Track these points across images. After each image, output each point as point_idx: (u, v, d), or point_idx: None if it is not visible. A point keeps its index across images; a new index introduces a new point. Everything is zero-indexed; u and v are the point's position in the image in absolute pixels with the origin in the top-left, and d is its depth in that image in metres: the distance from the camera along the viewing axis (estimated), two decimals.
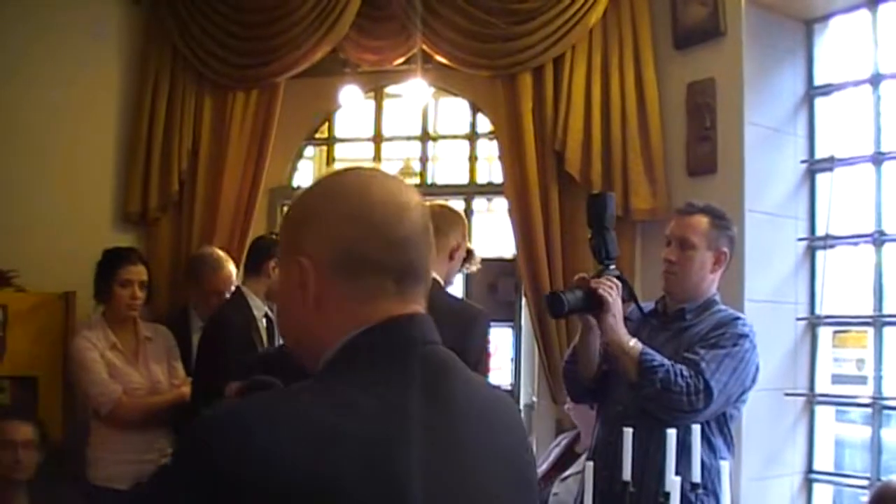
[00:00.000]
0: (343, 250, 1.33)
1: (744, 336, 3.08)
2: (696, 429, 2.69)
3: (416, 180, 6.13)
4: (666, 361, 2.98)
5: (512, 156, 4.86)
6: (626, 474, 2.71)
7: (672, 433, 2.61)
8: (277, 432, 1.21)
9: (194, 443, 1.24)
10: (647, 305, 3.36)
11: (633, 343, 3.05)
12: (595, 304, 3.07)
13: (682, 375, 2.93)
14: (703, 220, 3.22)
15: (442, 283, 3.26)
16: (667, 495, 2.51)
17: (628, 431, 2.69)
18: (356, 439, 1.22)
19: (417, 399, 1.30)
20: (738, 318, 3.17)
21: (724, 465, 2.75)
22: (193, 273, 4.82)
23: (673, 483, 2.51)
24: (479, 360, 3.14)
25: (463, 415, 1.37)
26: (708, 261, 3.21)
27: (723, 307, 3.26)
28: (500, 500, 1.39)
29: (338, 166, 6.11)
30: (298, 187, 5.91)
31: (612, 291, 3.07)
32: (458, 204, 5.06)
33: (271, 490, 1.18)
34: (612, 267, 3.17)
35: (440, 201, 3.58)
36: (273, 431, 1.21)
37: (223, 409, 1.29)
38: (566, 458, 4.19)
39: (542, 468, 4.22)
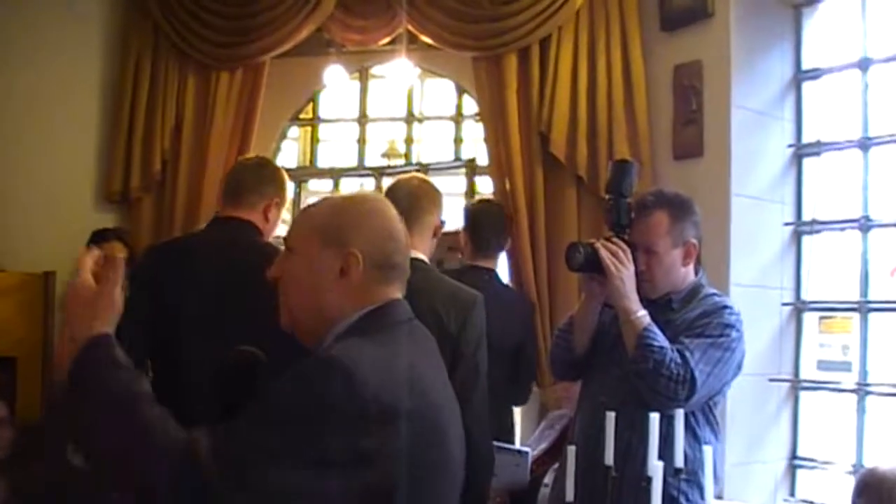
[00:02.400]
0: (382, 253, 1.89)
1: (730, 326, 3.01)
2: (679, 415, 2.66)
3: (402, 161, 6.10)
4: (666, 344, 2.90)
5: (496, 137, 4.83)
6: (609, 459, 2.68)
7: (654, 418, 2.58)
8: (368, 367, 1.69)
9: (336, 374, 1.66)
10: None
11: (641, 314, 2.95)
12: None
13: (675, 362, 2.87)
14: (662, 220, 3.08)
15: (428, 263, 3.19)
16: (649, 480, 2.48)
17: (610, 416, 2.65)
18: (403, 369, 1.76)
19: (421, 350, 1.90)
20: (725, 307, 3.08)
21: (708, 451, 2.72)
22: None
23: (655, 468, 2.48)
24: (478, 346, 3.08)
25: (440, 364, 1.99)
26: (678, 257, 3.10)
27: (710, 291, 3.16)
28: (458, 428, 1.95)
29: (322, 147, 6.10)
30: (282, 167, 5.85)
31: (618, 257, 2.99)
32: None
33: (373, 403, 1.66)
34: (623, 236, 3.07)
35: (421, 175, 3.51)
36: (366, 366, 1.69)
37: (336, 354, 1.72)
38: (561, 444, 4.07)
39: (534, 453, 4.16)
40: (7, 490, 3.90)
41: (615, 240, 3.04)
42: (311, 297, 1.88)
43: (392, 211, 1.97)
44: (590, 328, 3.18)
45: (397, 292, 1.93)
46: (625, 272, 2.98)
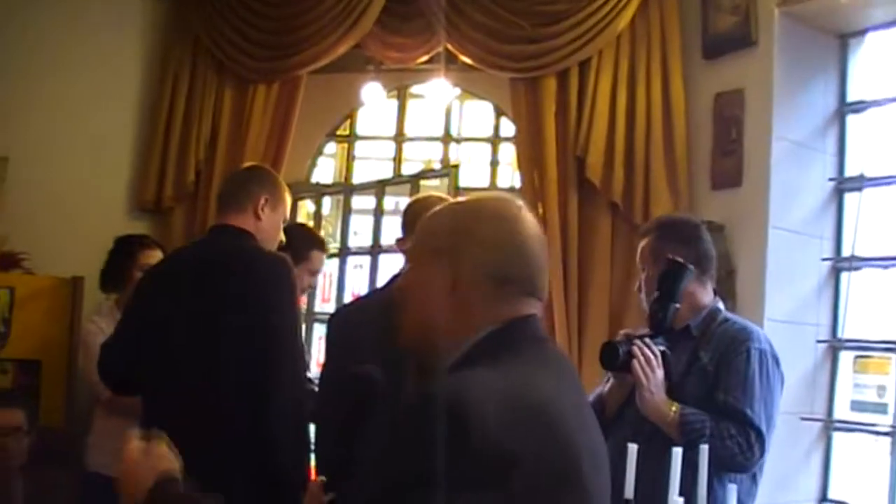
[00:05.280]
0: (495, 267, 1.67)
1: (762, 352, 2.97)
2: (704, 451, 2.58)
3: (437, 183, 6.05)
4: (708, 424, 2.86)
5: (532, 160, 4.77)
6: (629, 492, 2.61)
7: (677, 453, 2.50)
8: (488, 405, 1.46)
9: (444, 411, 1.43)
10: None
11: (673, 411, 2.93)
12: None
13: (730, 436, 2.83)
14: (644, 243, 3.16)
15: None
16: None
17: (633, 447, 2.59)
18: (532, 406, 1.53)
19: (556, 377, 1.67)
20: (749, 332, 3.04)
21: (732, 489, 2.65)
22: None
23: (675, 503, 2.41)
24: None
25: (579, 392, 1.79)
26: None
27: (728, 316, 3.15)
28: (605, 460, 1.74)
29: (359, 164, 6.07)
30: (317, 183, 5.88)
31: (648, 367, 2.95)
32: None
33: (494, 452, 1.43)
34: (660, 339, 3.03)
35: (438, 194, 3.49)
36: (485, 404, 1.46)
37: (455, 384, 1.51)
38: None
39: None
40: (24, 494, 3.88)
41: (649, 344, 3.00)
42: (428, 316, 1.70)
43: (516, 215, 1.74)
44: (620, 401, 3.15)
45: (525, 308, 1.69)
46: (653, 381, 2.96)
